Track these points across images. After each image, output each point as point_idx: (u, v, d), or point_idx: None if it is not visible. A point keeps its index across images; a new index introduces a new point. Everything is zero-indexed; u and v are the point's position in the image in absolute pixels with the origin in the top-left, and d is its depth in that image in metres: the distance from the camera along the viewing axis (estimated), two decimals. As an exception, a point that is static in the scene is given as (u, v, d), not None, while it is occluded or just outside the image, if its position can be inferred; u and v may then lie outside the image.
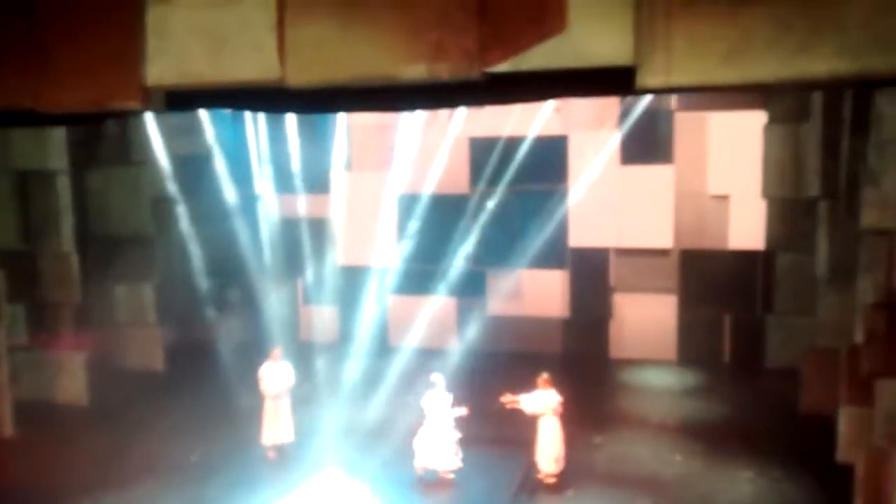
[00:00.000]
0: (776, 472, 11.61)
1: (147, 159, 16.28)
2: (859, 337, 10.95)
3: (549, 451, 11.20)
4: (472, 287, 17.28)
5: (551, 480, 11.30)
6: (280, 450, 12.49)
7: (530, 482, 11.39)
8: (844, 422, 11.34)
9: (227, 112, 16.84)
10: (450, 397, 11.51)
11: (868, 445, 10.14)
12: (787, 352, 14.79)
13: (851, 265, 11.66)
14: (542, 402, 11.19)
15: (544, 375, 11.33)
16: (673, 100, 15.99)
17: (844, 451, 11.24)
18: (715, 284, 16.29)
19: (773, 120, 14.69)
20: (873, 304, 10.31)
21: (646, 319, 16.79)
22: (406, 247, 17.29)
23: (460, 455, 11.48)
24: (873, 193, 10.14)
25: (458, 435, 11.49)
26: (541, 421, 11.26)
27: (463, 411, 11.43)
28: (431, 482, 11.46)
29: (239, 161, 17.69)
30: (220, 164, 17.07)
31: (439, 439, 11.42)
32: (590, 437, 12.73)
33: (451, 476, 11.49)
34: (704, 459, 12.18)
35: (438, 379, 11.66)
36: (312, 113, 15.54)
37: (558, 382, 11.53)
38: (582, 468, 11.78)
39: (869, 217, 10.33)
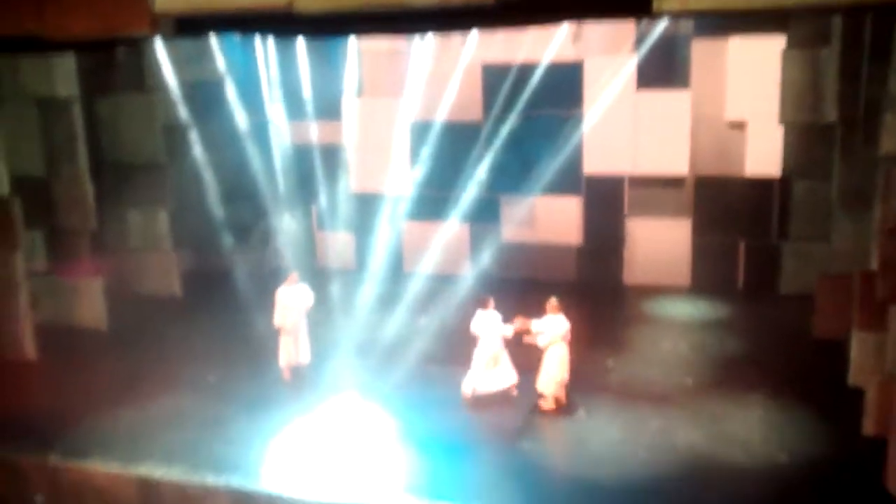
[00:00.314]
0: (788, 396, 11.70)
1: (158, 86, 16.18)
2: (874, 263, 10.93)
3: (555, 376, 11.32)
4: (485, 214, 17.23)
5: (550, 406, 11.44)
6: (296, 371, 12.70)
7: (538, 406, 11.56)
8: (857, 347, 11.39)
9: (238, 38, 16.66)
10: (500, 317, 11.55)
11: (879, 370, 10.21)
12: (801, 278, 14.76)
13: (868, 192, 11.56)
14: (552, 329, 11.27)
15: (553, 301, 11.39)
16: (690, 24, 15.64)
17: (856, 375, 11.33)
18: (730, 211, 16.19)
19: (791, 45, 14.38)
20: (889, 231, 10.24)
21: (660, 246, 16.73)
22: (419, 173, 17.21)
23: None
24: (892, 119, 9.98)
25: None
26: (549, 347, 11.36)
27: (511, 329, 11.48)
28: (477, 401, 11.62)
29: (250, 87, 17.55)
30: (231, 91, 16.96)
31: (495, 358, 11.53)
32: (602, 361, 12.85)
33: (515, 392, 11.67)
34: (716, 383, 12.29)
35: (488, 300, 11.70)
36: (322, 38, 15.38)
37: (572, 308, 11.61)
38: (594, 390, 11.93)
39: (888, 143, 10.19)
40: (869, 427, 10.25)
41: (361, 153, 17.98)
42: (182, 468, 10.23)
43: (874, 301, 10.69)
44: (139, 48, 15.49)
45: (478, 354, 11.63)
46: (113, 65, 16.22)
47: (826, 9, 11.36)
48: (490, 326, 11.55)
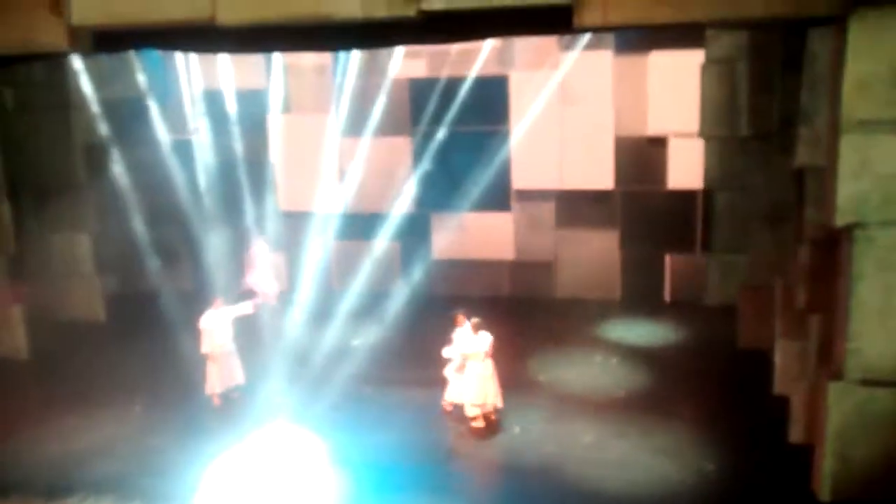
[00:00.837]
0: (715, 406, 11.95)
1: (76, 104, 15.77)
2: (793, 273, 11.24)
3: (481, 393, 11.33)
4: (415, 231, 17.21)
5: (481, 425, 11.44)
6: (225, 397, 12.45)
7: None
8: (780, 356, 11.71)
9: (158, 53, 16.37)
10: (487, 335, 11.46)
11: (803, 378, 10.49)
12: (724, 289, 15.11)
13: (786, 203, 11.89)
14: (473, 346, 11.30)
15: (474, 319, 11.43)
16: (612, 39, 15.94)
17: (781, 383, 11.63)
18: (655, 224, 16.52)
19: (710, 59, 14.75)
20: (805, 241, 10.55)
21: (590, 260, 16.96)
22: (348, 191, 17.09)
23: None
24: (806, 132, 10.30)
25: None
26: (471, 363, 11.37)
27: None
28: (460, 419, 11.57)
29: (172, 105, 17.25)
30: (153, 108, 16.62)
31: (480, 377, 11.38)
32: (535, 375, 12.92)
33: (496, 416, 11.57)
34: (646, 394, 12.48)
35: (464, 318, 11.60)
36: (245, 53, 15.18)
37: (503, 323, 11.66)
38: (527, 405, 11.97)
39: (802, 155, 10.50)
40: (795, 434, 10.52)
41: (289, 171, 17.78)
42: (111, 501, 9.92)
43: (795, 310, 11.01)
44: (57, 64, 15.05)
45: (456, 371, 11.54)
46: (28, 82, 15.71)
47: (739, 23, 11.68)
48: (472, 344, 11.42)
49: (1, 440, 11.46)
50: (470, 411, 11.40)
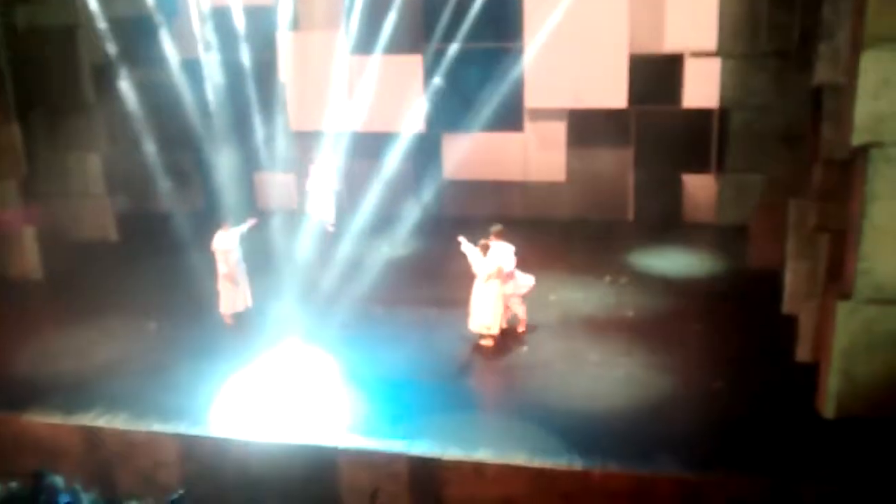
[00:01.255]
0: (724, 324, 12.00)
1: (84, 23, 15.56)
2: (807, 193, 11.14)
3: (490, 313, 11.42)
4: (426, 151, 17.08)
5: (489, 343, 11.56)
6: (238, 317, 12.59)
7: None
8: (790, 275, 11.70)
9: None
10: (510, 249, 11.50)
11: (812, 298, 10.49)
12: (738, 209, 15.02)
13: (802, 122, 11.71)
14: (484, 266, 11.34)
15: (483, 241, 11.44)
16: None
17: (790, 303, 11.65)
18: (670, 144, 16.29)
19: (729, -25, 14.33)
20: (820, 160, 10.42)
21: (603, 180, 16.82)
22: (358, 110, 16.90)
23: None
24: (826, 48, 10.07)
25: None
26: (485, 283, 11.41)
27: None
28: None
29: (181, 23, 16.99)
30: (161, 27, 16.38)
31: (486, 298, 11.44)
32: (545, 295, 12.95)
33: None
34: (657, 312, 12.53)
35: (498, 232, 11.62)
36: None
37: (515, 244, 11.62)
38: (537, 324, 12.07)
39: (821, 72, 10.30)
40: (802, 353, 10.59)
41: (299, 90, 17.56)
42: (126, 416, 10.14)
43: (807, 230, 10.95)
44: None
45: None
46: (37, 0, 15.51)
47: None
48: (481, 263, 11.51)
49: (18, 357, 11.68)
50: (483, 327, 11.52)
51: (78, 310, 13.19)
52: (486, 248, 11.40)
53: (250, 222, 12.87)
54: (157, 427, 9.93)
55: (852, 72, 8.63)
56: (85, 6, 15.23)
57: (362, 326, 12.25)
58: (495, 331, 11.52)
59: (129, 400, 10.44)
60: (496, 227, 11.57)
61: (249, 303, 12.67)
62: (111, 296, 13.67)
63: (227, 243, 12.35)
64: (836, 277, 9.67)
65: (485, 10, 15.70)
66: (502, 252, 11.48)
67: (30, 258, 14.79)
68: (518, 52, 16.20)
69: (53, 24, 15.58)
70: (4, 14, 14.82)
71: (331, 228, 16.01)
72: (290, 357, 11.33)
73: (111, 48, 15.88)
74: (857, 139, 8.57)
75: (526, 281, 11.78)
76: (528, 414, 9.91)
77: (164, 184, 16.11)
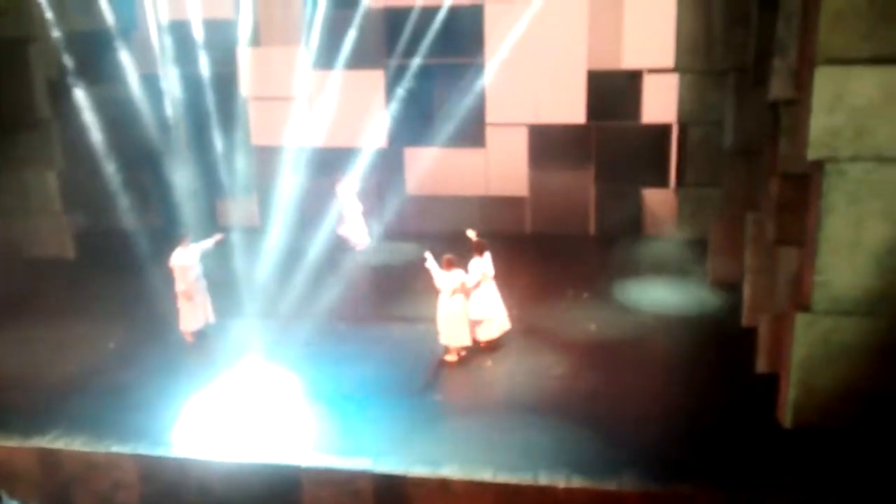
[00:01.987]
0: (686, 337, 12.12)
1: (39, 37, 15.35)
2: (764, 206, 11.32)
3: (455, 327, 11.46)
4: (389, 166, 17.08)
5: (453, 358, 11.60)
6: (199, 334, 12.44)
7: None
8: (749, 288, 11.87)
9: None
10: (459, 272, 11.53)
11: (770, 309, 10.65)
12: (697, 223, 15.22)
13: (759, 137, 11.91)
14: (448, 282, 11.38)
15: (448, 256, 11.50)
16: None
17: (749, 316, 11.81)
18: (630, 159, 16.49)
19: (685, -9, 14.58)
20: (777, 174, 10.60)
21: (564, 195, 16.93)
22: (320, 125, 16.86)
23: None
24: (781, 64, 10.25)
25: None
26: (449, 299, 11.44)
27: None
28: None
29: (139, 37, 16.85)
30: (119, 41, 16.22)
31: (451, 314, 11.47)
32: (507, 309, 12.96)
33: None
34: (619, 326, 12.61)
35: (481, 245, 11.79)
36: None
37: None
38: (501, 338, 12.07)
39: (777, 88, 10.48)
40: (762, 364, 10.73)
41: (260, 105, 17.47)
42: (85, 437, 9.94)
43: (765, 243, 11.12)
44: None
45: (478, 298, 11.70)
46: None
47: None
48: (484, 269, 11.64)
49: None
50: (449, 341, 11.56)
51: (35, 329, 12.92)
52: (449, 264, 11.42)
53: (216, 237, 12.72)
54: (116, 448, 9.74)
55: (806, 88, 8.80)
56: (40, 19, 15.03)
57: (326, 343, 12.17)
58: (461, 345, 11.51)
59: (88, 420, 10.23)
60: (472, 236, 11.70)
61: (211, 319, 12.53)
62: (69, 315, 13.43)
63: (185, 260, 12.19)
64: (794, 290, 9.83)
65: (446, 26, 15.84)
66: (479, 265, 11.56)
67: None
68: (479, 68, 16.31)
69: (6, 38, 15.31)
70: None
71: (358, 248, 16.09)
72: (251, 375, 11.20)
73: (67, 62, 15.70)
74: (812, 154, 8.73)
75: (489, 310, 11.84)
76: (493, 429, 9.90)
77: (122, 200, 15.89)
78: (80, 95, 15.90)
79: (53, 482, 9.82)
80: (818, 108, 8.58)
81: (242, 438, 9.85)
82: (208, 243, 12.53)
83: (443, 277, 11.40)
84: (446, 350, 11.60)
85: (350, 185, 16.11)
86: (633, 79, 16.13)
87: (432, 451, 9.45)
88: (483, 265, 11.70)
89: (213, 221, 16.51)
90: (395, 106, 16.71)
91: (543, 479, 8.82)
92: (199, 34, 16.73)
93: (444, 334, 11.55)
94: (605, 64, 16.09)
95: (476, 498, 8.88)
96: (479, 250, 11.75)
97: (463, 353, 11.61)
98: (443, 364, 11.59)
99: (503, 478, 8.89)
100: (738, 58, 12.67)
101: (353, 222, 16.15)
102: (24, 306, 13.88)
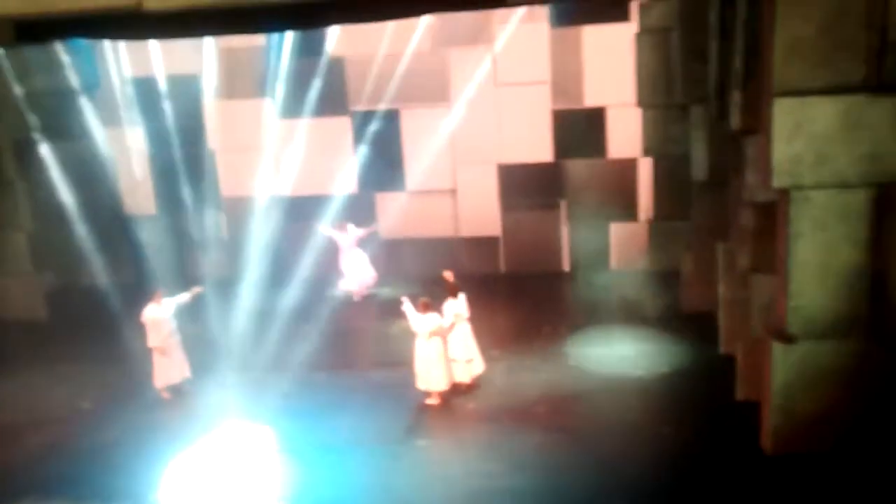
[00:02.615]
0: (665, 367, 12.18)
1: (3, 96, 15.30)
2: (734, 236, 11.48)
3: (435, 371, 11.43)
4: (360, 211, 17.11)
5: (436, 402, 11.54)
6: (175, 390, 12.28)
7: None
8: (724, 316, 11.98)
9: (85, 43, 15.93)
10: (435, 315, 11.50)
11: (747, 337, 10.75)
12: (667, 254, 15.36)
13: (724, 167, 12.12)
14: (424, 325, 11.37)
15: (423, 299, 11.51)
16: (545, 14, 16.01)
17: (726, 343, 11.91)
18: (598, 194, 16.67)
19: (644, 29, 14.85)
20: (745, 204, 10.77)
21: (536, 233, 17.04)
22: (290, 174, 16.90)
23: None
24: (740, 97, 10.48)
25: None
26: (427, 342, 11.42)
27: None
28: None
29: (104, 95, 16.86)
30: (83, 100, 16.21)
31: (428, 357, 11.41)
32: (486, 350, 12.97)
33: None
34: (598, 364, 12.62)
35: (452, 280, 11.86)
36: (174, 38, 14.80)
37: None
38: (482, 379, 12.07)
39: (738, 120, 10.69)
40: (741, 391, 10.79)
41: (229, 156, 17.49)
42: (63, 503, 9.72)
43: (737, 272, 11.26)
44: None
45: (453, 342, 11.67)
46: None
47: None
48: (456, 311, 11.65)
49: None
50: (429, 385, 11.50)
51: (7, 391, 12.67)
52: (425, 307, 11.43)
53: (194, 290, 12.58)
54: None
55: (766, 118, 8.99)
56: (2, 80, 14.99)
57: (304, 395, 12.05)
58: (440, 388, 11.48)
59: (65, 485, 10.01)
60: (449, 277, 11.75)
61: (187, 374, 12.36)
62: (43, 375, 13.19)
63: (158, 314, 12.04)
64: (769, 316, 9.94)
65: (410, 71, 16.04)
66: (454, 306, 11.60)
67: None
68: (445, 112, 16.47)
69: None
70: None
71: (357, 298, 15.83)
72: (229, 433, 11.04)
73: (32, 122, 15.66)
74: (777, 182, 8.89)
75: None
76: (477, 472, 9.83)
77: (93, 258, 15.74)
78: (46, 154, 15.84)
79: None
80: (779, 137, 8.77)
81: (225, 498, 9.68)
82: (185, 297, 12.39)
83: (419, 321, 11.39)
84: (427, 394, 11.54)
85: (351, 232, 15.92)
86: (597, 116, 16.36)
87: (415, 498, 9.34)
88: (457, 306, 11.72)
89: (185, 275, 16.36)
90: (363, 152, 16.82)
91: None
92: (164, 89, 16.78)
93: (422, 378, 11.50)
94: (569, 103, 16.34)
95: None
96: (454, 292, 11.79)
97: (441, 396, 11.53)
98: (424, 408, 11.53)
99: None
100: (699, 91, 12.93)
101: (354, 270, 15.91)
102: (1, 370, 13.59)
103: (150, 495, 9.73)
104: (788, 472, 9.14)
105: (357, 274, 15.84)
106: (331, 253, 16.16)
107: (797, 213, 8.92)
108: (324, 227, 15.99)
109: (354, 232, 15.93)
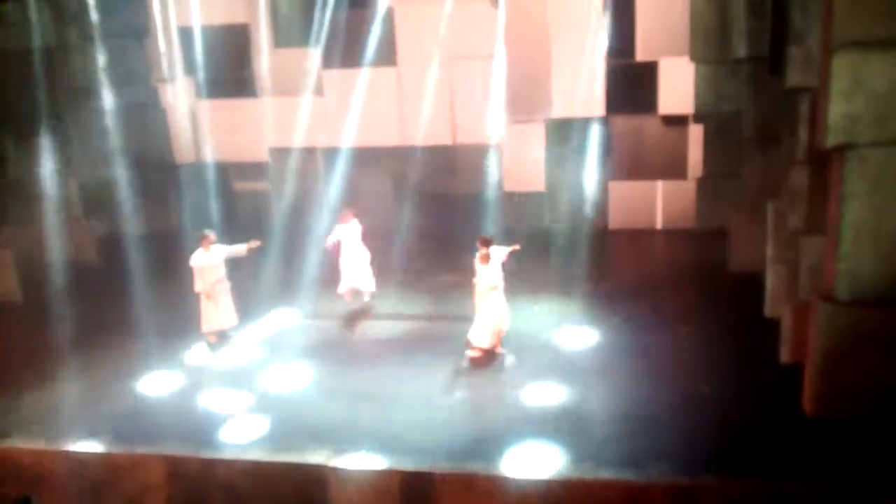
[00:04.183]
0: (709, 327, 12.07)
1: (60, 44, 15.52)
2: (784, 195, 11.25)
3: (489, 326, 11.40)
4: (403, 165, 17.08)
5: (477, 355, 11.52)
6: (221, 335, 12.50)
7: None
8: (771, 278, 11.79)
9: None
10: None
11: (794, 299, 10.58)
12: (716, 213, 15.13)
13: (776, 125, 11.84)
14: (485, 279, 11.29)
15: (483, 251, 11.40)
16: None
17: (772, 306, 11.74)
18: (647, 150, 16.42)
19: (699, -18, 14.50)
20: (797, 163, 10.53)
21: (582, 187, 16.84)
22: (335, 126, 16.93)
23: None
24: (797, 52, 10.19)
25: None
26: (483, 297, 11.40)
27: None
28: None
29: (154, 44, 17.02)
30: (134, 49, 16.38)
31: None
32: (529, 305, 12.97)
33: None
34: (643, 319, 12.55)
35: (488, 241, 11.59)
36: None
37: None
38: (526, 334, 12.10)
39: (794, 76, 10.42)
40: (785, 355, 10.66)
41: (275, 106, 17.55)
42: (111, 440, 10.04)
43: (786, 232, 11.05)
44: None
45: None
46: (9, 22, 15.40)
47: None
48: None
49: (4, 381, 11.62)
50: (478, 340, 11.48)
51: (61, 333, 13.00)
52: (486, 258, 11.35)
53: (251, 244, 12.49)
54: (143, 449, 9.83)
55: (824, 75, 8.73)
56: (58, 28, 15.16)
57: (349, 344, 12.21)
58: (485, 343, 11.48)
59: (114, 424, 10.34)
60: (482, 251, 11.45)
61: (234, 321, 12.56)
62: (94, 318, 13.47)
63: (204, 260, 12.22)
64: (817, 279, 9.76)
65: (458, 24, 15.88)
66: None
67: (8, 281, 14.60)
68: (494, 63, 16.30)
69: (25, 47, 15.45)
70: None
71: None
72: (274, 374, 11.27)
73: (84, 69, 15.86)
74: (831, 141, 8.66)
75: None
76: (520, 424, 9.90)
77: (142, 205, 16.02)
78: (98, 102, 16.06)
79: (81, 486, 9.92)
80: (836, 94, 8.51)
81: (268, 438, 9.90)
82: (240, 248, 12.39)
83: (483, 273, 11.31)
84: (471, 345, 11.56)
85: (353, 228, 13.39)
86: (649, 70, 16.03)
87: (457, 448, 9.45)
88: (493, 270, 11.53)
89: (230, 225, 16.58)
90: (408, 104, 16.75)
91: (571, 474, 8.81)
92: (213, 38, 16.85)
93: (475, 329, 11.45)
94: (621, 56, 16.00)
95: (501, 494, 8.88)
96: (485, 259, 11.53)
97: (484, 352, 11.57)
98: (468, 360, 11.58)
99: (528, 474, 8.90)
100: (755, 46, 12.61)
101: (354, 271, 13.40)
102: (48, 312, 13.88)
103: (194, 434, 9.96)
104: (830, 436, 9.04)
105: (353, 273, 13.42)
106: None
107: (851, 174, 8.68)
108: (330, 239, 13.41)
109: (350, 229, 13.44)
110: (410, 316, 13.22)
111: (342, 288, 13.39)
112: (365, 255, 13.40)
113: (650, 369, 11.04)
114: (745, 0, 12.83)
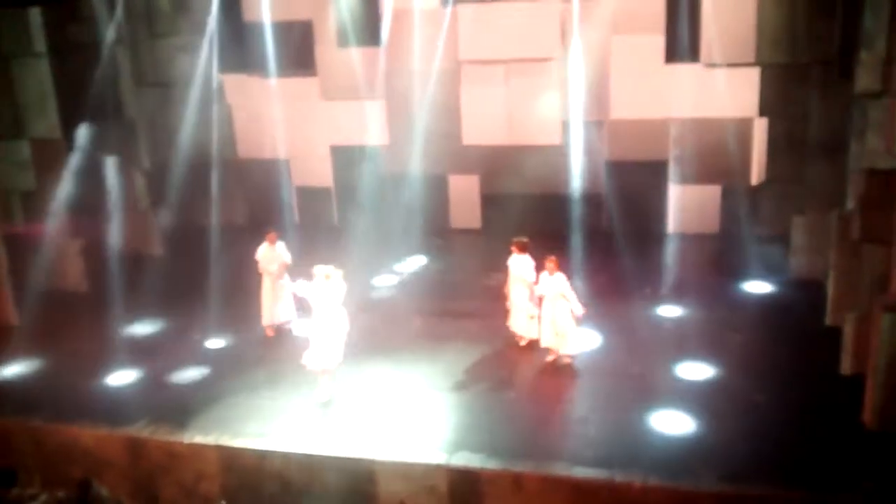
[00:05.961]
0: (768, 335, 11.84)
1: (129, 39, 15.92)
2: (849, 203, 11.00)
3: (556, 330, 11.32)
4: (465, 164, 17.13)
5: (550, 358, 11.51)
6: (280, 329, 12.69)
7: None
8: (834, 286, 11.53)
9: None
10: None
11: (856, 308, 10.34)
12: (779, 219, 14.80)
13: (843, 131, 11.58)
14: (551, 288, 11.23)
15: (552, 259, 11.27)
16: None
17: (834, 314, 11.48)
18: (711, 153, 16.11)
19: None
20: (864, 170, 10.30)
21: (642, 191, 16.60)
22: (395, 124, 17.03)
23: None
24: (868, 57, 9.96)
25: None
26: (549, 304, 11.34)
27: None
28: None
29: (221, 39, 17.31)
30: (201, 48, 16.69)
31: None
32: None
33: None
34: (700, 323, 12.38)
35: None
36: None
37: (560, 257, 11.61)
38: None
39: (864, 81, 10.18)
40: (846, 365, 10.42)
41: (338, 106, 17.70)
42: (169, 428, 10.29)
43: (850, 240, 10.80)
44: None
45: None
46: (75, 19, 15.80)
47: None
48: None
49: (64, 370, 12.00)
50: (549, 343, 11.48)
51: (123, 323, 13.36)
52: (552, 268, 11.21)
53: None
54: (200, 439, 10.05)
55: (895, 80, 8.52)
56: (128, 23, 15.56)
57: (400, 339, 12.30)
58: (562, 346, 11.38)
59: (173, 412, 10.61)
60: (551, 259, 11.32)
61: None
62: (156, 310, 13.76)
63: (268, 254, 12.44)
64: (880, 289, 9.52)
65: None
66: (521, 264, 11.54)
67: (75, 271, 15.04)
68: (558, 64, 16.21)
69: (97, 40, 15.85)
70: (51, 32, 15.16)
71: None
72: (328, 370, 11.40)
73: (152, 64, 16.22)
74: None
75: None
76: (570, 425, 9.87)
77: (206, 198, 16.30)
78: (165, 96, 16.41)
79: (140, 471, 10.21)
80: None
81: (320, 432, 10.04)
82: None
83: (544, 282, 11.28)
84: (548, 350, 11.49)
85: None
86: (712, 73, 15.74)
87: (506, 446, 9.46)
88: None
89: (291, 217, 16.78)
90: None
91: (619, 478, 8.76)
92: (277, 34, 17.07)
93: (545, 337, 11.42)
94: (685, 56, 15.73)
95: (549, 495, 8.87)
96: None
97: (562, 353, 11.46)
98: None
99: (578, 475, 8.86)
100: (823, 50, 12.38)
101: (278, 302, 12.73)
102: (112, 302, 14.11)
103: (249, 426, 10.14)
104: (890, 450, 8.81)
105: (280, 306, 12.75)
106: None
107: (919, 183, 8.47)
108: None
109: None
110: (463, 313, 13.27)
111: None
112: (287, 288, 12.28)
113: (707, 374, 10.94)
114: (814, 2, 12.58)
